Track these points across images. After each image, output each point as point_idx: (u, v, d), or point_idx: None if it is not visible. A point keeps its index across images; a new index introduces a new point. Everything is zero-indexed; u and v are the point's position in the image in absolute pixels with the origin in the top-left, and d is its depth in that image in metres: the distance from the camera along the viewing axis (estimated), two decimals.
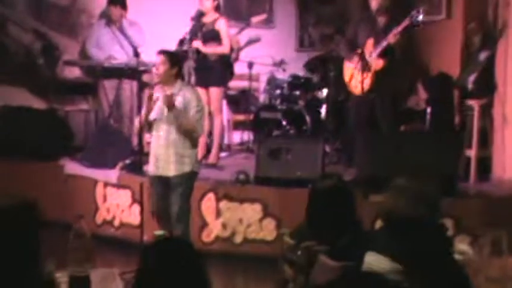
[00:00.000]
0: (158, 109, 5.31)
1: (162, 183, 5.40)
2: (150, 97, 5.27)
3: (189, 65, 6.89)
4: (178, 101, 5.25)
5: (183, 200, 5.41)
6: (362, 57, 6.16)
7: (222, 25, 6.89)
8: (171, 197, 5.39)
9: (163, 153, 5.33)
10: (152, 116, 5.30)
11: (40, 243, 2.41)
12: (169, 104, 5.17)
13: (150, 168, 5.43)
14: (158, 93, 5.32)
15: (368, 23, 6.31)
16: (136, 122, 5.51)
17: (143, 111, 5.36)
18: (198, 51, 6.84)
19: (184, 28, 7.03)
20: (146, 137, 5.77)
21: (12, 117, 7.20)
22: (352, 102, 6.54)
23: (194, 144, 5.40)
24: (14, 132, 7.07)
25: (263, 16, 8.22)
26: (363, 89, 6.15)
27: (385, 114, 6.25)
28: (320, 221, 3.63)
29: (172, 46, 7.03)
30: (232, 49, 7.17)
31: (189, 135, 5.32)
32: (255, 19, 8.04)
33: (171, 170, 5.33)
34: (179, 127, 5.25)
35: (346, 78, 6.40)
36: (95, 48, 7.52)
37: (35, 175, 6.90)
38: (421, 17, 5.92)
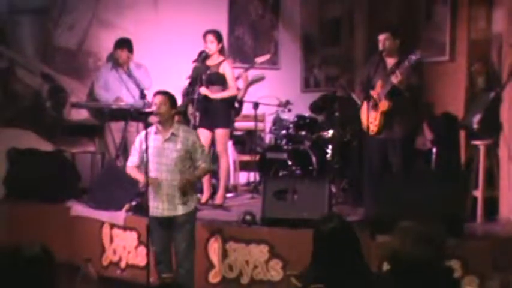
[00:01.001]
0: (155, 153, 5.36)
1: (165, 225, 5.43)
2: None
3: (194, 106, 6.93)
4: (180, 142, 5.34)
5: (190, 236, 5.50)
6: (371, 98, 6.20)
7: (227, 68, 6.93)
8: (178, 235, 5.44)
9: (168, 194, 5.37)
10: (150, 159, 5.33)
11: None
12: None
13: (152, 209, 5.42)
14: (152, 137, 5.41)
15: (377, 64, 6.34)
16: (129, 168, 5.60)
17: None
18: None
19: (190, 70, 7.10)
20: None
21: (20, 159, 7.23)
22: (365, 143, 6.54)
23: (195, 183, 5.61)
24: (21, 174, 7.11)
25: (267, 56, 8.30)
26: (369, 129, 6.19)
27: (396, 156, 6.24)
28: (325, 263, 3.62)
29: (178, 88, 7.11)
30: (239, 88, 7.20)
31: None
32: (259, 59, 8.12)
33: (178, 210, 5.40)
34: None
35: (363, 120, 6.40)
36: (103, 91, 7.58)
37: (42, 217, 6.90)
38: (414, 57, 5.98)
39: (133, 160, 5.53)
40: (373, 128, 6.20)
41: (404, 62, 6.02)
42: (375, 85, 6.26)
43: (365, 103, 6.24)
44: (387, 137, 6.24)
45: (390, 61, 6.30)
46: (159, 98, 5.39)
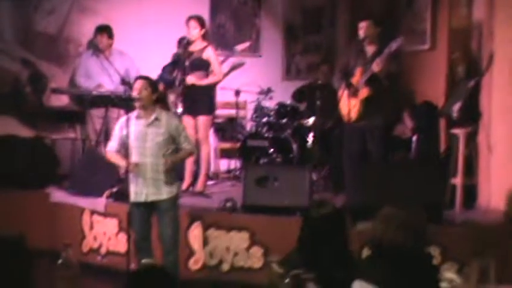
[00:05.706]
0: (138, 137, 5.35)
1: (148, 210, 5.43)
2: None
3: (175, 92, 6.91)
4: (164, 126, 5.35)
5: (176, 223, 5.51)
6: (350, 85, 6.21)
7: (210, 53, 6.89)
8: (163, 222, 5.44)
9: (153, 178, 5.36)
10: (132, 144, 5.33)
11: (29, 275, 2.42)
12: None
13: (135, 194, 5.41)
14: (133, 122, 5.39)
15: (357, 52, 6.36)
16: (108, 153, 5.58)
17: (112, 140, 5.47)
18: (184, 80, 6.84)
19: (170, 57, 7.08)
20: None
21: None
22: (344, 130, 6.55)
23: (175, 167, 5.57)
24: (0, 160, 7.04)
25: (247, 44, 8.26)
26: (351, 117, 6.20)
27: (375, 143, 6.27)
28: (311, 249, 3.63)
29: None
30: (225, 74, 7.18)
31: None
32: (239, 47, 8.07)
33: (163, 194, 5.39)
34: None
35: (342, 107, 6.40)
36: (84, 78, 7.53)
37: (21, 203, 6.86)
38: (395, 45, 6.00)
39: (112, 145, 5.51)
40: (352, 115, 6.21)
41: (385, 49, 6.03)
42: (354, 73, 6.27)
43: (344, 91, 6.25)
44: (366, 125, 6.26)
45: (370, 49, 6.30)
46: (140, 83, 5.39)
